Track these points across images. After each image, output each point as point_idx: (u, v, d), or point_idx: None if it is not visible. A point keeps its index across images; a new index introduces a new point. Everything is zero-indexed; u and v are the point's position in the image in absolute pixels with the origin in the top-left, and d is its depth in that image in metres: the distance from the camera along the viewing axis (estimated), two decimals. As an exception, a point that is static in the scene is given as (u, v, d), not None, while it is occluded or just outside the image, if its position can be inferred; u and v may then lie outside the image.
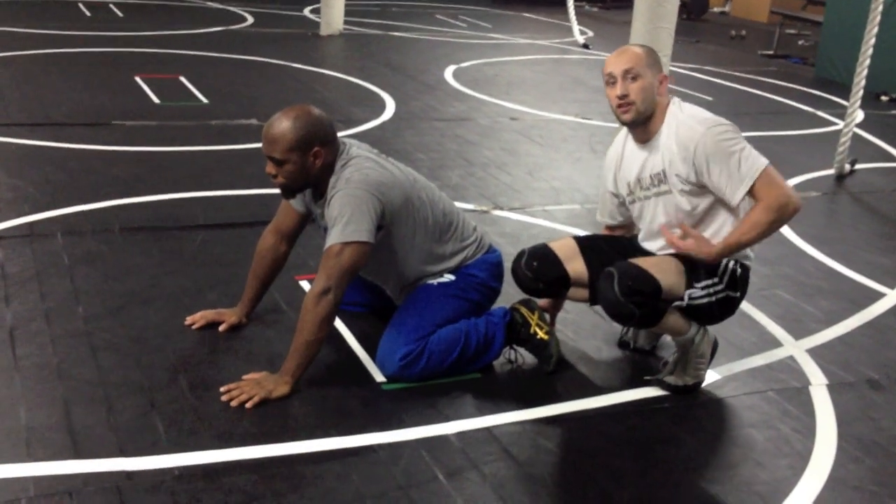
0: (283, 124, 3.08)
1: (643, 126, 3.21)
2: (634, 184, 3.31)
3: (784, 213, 3.05)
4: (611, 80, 3.18)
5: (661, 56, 5.55)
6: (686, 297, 3.16)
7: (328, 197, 3.14)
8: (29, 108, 6.51)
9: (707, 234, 3.21)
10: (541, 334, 3.36)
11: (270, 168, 3.14)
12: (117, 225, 4.48)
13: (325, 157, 3.12)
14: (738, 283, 3.24)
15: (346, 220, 3.05)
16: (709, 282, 3.18)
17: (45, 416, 2.88)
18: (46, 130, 5.94)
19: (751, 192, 3.07)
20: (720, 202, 3.17)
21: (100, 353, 3.29)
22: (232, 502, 2.55)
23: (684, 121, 3.14)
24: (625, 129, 3.34)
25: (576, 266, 3.39)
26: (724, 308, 3.27)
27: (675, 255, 3.21)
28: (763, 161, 3.07)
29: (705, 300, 3.19)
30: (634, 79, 3.13)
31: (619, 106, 3.16)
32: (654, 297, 3.06)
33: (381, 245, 3.18)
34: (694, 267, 3.17)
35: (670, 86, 3.26)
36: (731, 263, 3.20)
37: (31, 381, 3.08)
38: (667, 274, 3.12)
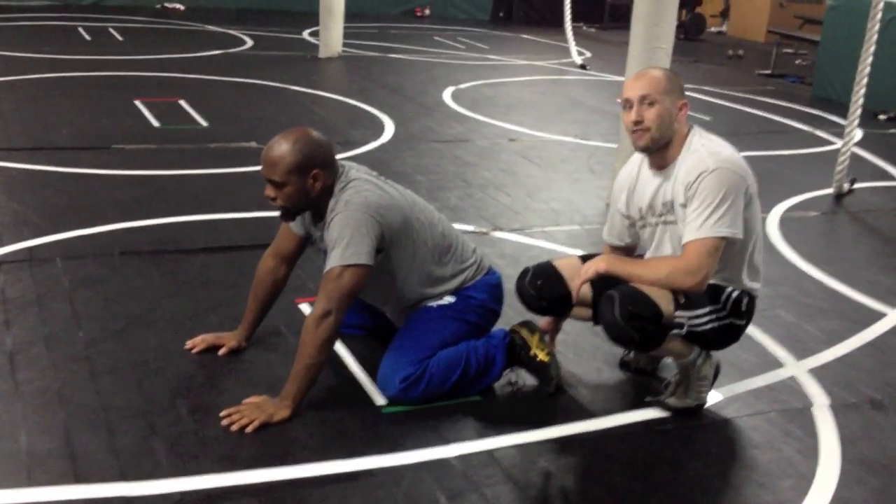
0: (282, 147, 3.09)
1: (660, 153, 3.15)
2: (647, 209, 3.27)
3: (681, 282, 3.02)
4: (627, 105, 3.13)
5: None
6: (686, 324, 3.14)
7: (327, 220, 3.14)
8: (29, 132, 6.52)
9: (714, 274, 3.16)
10: (541, 356, 3.36)
11: (270, 191, 3.15)
12: (117, 249, 4.48)
13: (324, 179, 3.13)
14: (743, 313, 3.22)
15: (345, 243, 3.05)
16: (711, 307, 3.16)
17: (46, 441, 2.87)
18: (47, 154, 5.95)
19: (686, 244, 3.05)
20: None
21: (100, 377, 3.28)
22: (233, 527, 2.54)
23: (699, 151, 3.09)
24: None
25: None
26: (727, 335, 3.25)
27: None
28: (724, 233, 2.99)
29: (708, 326, 3.16)
30: (651, 104, 3.07)
31: (634, 132, 3.11)
32: (654, 321, 3.04)
33: (380, 267, 3.18)
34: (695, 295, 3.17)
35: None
36: (736, 293, 3.18)
37: (31, 406, 3.07)
38: (668, 299, 3.09)
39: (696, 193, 3.03)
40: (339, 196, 3.14)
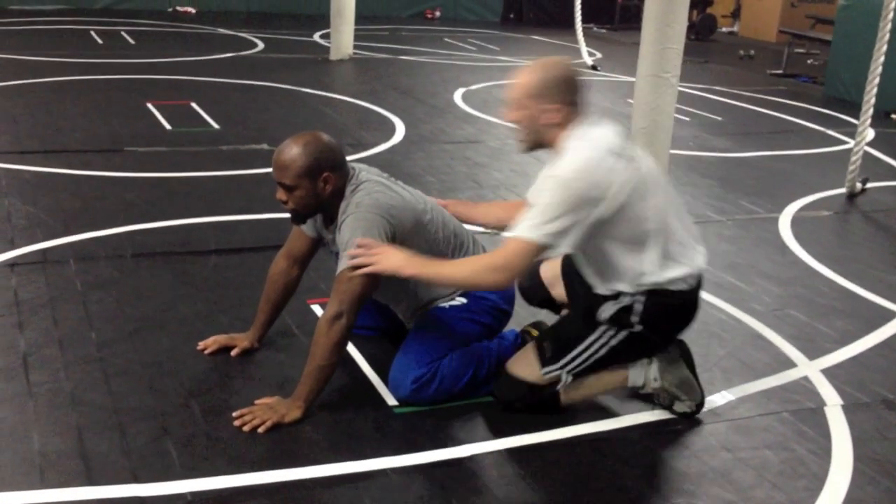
0: (292, 151, 3.10)
1: (547, 151, 3.03)
2: None
3: (484, 279, 2.91)
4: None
5: (670, 77, 5.57)
6: (564, 371, 3.07)
7: (339, 222, 3.15)
8: (42, 135, 6.56)
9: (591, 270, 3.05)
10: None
11: (281, 194, 3.16)
12: (130, 250, 4.50)
13: (334, 182, 3.14)
14: (644, 319, 2.98)
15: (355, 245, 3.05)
16: (591, 339, 3.04)
17: (59, 443, 2.89)
18: (59, 157, 5.98)
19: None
20: (599, 238, 2.92)
21: (113, 378, 3.29)
22: (245, 528, 2.55)
23: (564, 153, 2.92)
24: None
25: (559, 291, 3.41)
26: (638, 347, 3.08)
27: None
28: (543, 241, 2.82)
29: (602, 353, 3.04)
30: (517, 108, 2.99)
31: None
32: (531, 394, 3.12)
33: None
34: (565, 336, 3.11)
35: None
36: (620, 305, 2.98)
37: (44, 408, 3.08)
38: (529, 362, 3.12)
39: (539, 192, 2.91)
40: (350, 198, 3.15)
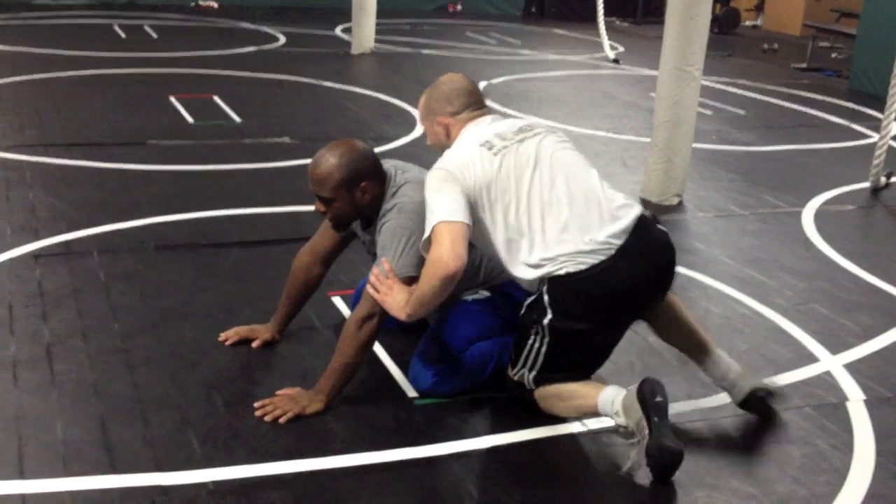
0: (328, 163, 3.08)
1: None
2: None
3: (439, 274, 2.86)
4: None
5: (693, 70, 5.55)
6: (526, 371, 3.05)
7: (378, 224, 3.15)
8: (66, 128, 6.60)
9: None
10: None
11: (319, 206, 3.15)
12: (153, 243, 4.53)
13: (373, 191, 3.14)
14: (554, 308, 2.94)
15: (397, 252, 3.06)
16: (530, 333, 3.02)
17: (82, 432, 2.91)
18: (83, 150, 6.02)
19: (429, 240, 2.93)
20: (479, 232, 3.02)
21: (136, 369, 3.32)
22: (266, 517, 2.57)
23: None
24: None
25: None
26: (570, 342, 2.99)
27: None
28: (437, 215, 2.91)
29: (544, 348, 3.00)
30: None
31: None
32: (519, 393, 3.12)
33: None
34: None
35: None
36: (535, 294, 2.99)
37: (68, 398, 3.11)
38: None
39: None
40: (390, 201, 3.14)
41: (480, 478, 2.82)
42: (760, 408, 3.25)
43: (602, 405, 2.91)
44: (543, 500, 2.75)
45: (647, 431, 2.75)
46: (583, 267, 2.91)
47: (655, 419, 2.74)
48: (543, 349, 3.01)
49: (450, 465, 2.88)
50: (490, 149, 3.03)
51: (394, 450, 2.92)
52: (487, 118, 3.20)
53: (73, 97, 7.63)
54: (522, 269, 3.00)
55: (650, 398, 2.76)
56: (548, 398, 3.06)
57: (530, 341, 3.03)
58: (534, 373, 3.05)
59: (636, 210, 3.05)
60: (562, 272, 2.92)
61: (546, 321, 2.96)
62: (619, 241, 2.95)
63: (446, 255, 2.85)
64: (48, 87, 7.93)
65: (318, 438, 2.97)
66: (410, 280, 3.04)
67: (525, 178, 2.99)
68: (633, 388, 2.83)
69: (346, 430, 3.02)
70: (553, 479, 2.85)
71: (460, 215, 2.92)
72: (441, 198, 2.94)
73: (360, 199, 3.13)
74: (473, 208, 2.97)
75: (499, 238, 3.01)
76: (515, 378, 3.10)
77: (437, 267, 2.86)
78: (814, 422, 3.27)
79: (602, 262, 2.91)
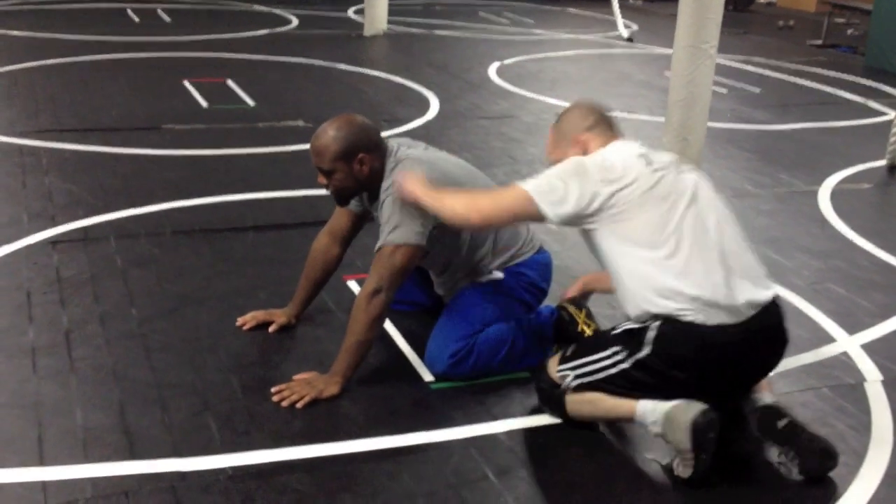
0: (327, 136, 3.15)
1: None
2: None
3: (472, 215, 2.91)
4: None
5: (708, 47, 5.51)
6: (571, 375, 2.91)
7: (381, 200, 3.16)
8: (80, 113, 6.62)
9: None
10: (588, 332, 3.35)
11: (321, 178, 3.22)
12: (169, 228, 4.54)
13: (371, 162, 3.16)
14: (656, 346, 2.76)
15: (395, 223, 3.07)
16: (615, 349, 2.85)
17: (101, 418, 2.94)
18: (98, 136, 6.03)
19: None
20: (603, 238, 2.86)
21: (154, 354, 3.34)
22: (285, 501, 2.58)
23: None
24: None
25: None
26: (648, 378, 2.79)
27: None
28: (533, 186, 2.86)
29: (614, 370, 2.82)
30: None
31: None
32: (551, 387, 3.00)
33: (434, 239, 3.18)
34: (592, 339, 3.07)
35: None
36: (641, 323, 2.80)
37: (86, 383, 3.14)
38: (556, 359, 3.01)
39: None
40: (390, 176, 3.16)
41: (498, 462, 2.83)
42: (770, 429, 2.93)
43: (641, 413, 2.79)
44: (561, 484, 2.76)
45: (690, 461, 2.69)
46: (709, 322, 2.72)
47: (703, 456, 2.68)
48: (613, 371, 2.83)
49: (466, 448, 2.89)
50: (649, 164, 2.85)
51: (410, 434, 2.93)
52: (636, 142, 3.00)
53: (88, 82, 7.64)
54: (642, 292, 2.78)
55: (703, 433, 2.67)
56: (581, 402, 2.93)
57: (604, 355, 2.86)
58: (583, 380, 2.90)
59: (775, 289, 2.93)
60: (686, 318, 2.73)
61: (640, 354, 2.78)
62: (752, 312, 2.78)
63: (484, 214, 2.89)
64: (62, 72, 7.95)
65: (336, 423, 2.98)
66: (408, 248, 3.07)
67: (680, 206, 2.79)
68: (682, 403, 2.72)
69: (362, 415, 3.03)
70: (570, 463, 2.85)
71: (547, 207, 2.81)
72: (556, 183, 2.82)
73: (359, 170, 3.17)
74: (597, 211, 2.80)
75: (624, 248, 2.80)
76: (556, 375, 2.96)
77: (470, 211, 2.90)
78: (831, 403, 3.26)
79: (729, 326, 2.74)
